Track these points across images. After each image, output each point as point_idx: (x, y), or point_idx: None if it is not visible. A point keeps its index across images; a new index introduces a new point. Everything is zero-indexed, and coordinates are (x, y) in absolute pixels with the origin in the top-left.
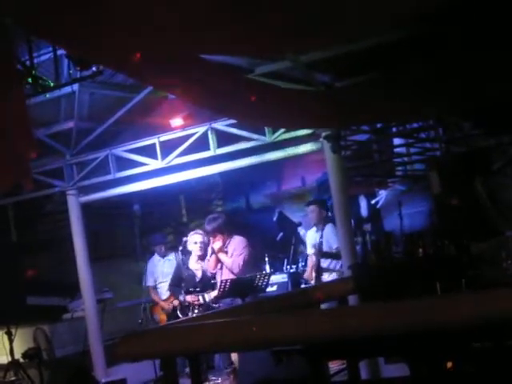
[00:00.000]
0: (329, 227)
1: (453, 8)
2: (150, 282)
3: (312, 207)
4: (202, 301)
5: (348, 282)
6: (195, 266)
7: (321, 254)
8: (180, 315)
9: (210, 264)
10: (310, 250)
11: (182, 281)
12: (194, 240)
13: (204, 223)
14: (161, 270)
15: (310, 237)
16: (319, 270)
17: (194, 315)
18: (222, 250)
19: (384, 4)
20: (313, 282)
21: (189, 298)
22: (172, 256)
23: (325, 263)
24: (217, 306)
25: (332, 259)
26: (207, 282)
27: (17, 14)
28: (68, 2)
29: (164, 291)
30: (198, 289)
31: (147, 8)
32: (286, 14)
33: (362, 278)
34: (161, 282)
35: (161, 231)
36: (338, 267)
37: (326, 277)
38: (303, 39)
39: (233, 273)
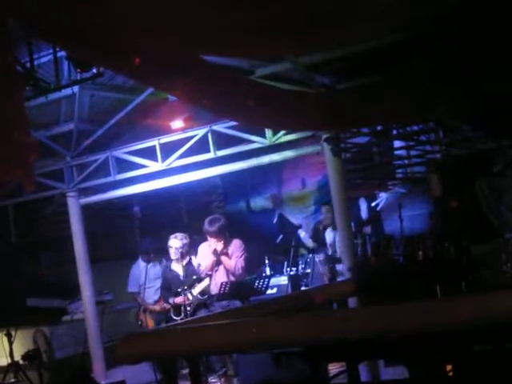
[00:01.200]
0: None
1: (454, 10)
2: (133, 288)
3: (328, 207)
4: (191, 298)
5: (348, 285)
6: (176, 267)
7: (332, 260)
8: (174, 317)
9: (207, 265)
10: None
11: (169, 283)
12: (171, 245)
13: (205, 225)
14: (146, 275)
15: (328, 236)
16: (334, 273)
17: (188, 313)
18: (224, 252)
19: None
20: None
21: (178, 299)
22: (156, 263)
23: (339, 266)
24: (205, 297)
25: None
26: (191, 278)
27: (19, 14)
28: (70, 3)
29: (152, 295)
30: (185, 287)
31: (148, 9)
32: (288, 15)
33: (361, 280)
34: (148, 287)
35: (156, 235)
36: None
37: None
38: (304, 41)
39: (234, 275)
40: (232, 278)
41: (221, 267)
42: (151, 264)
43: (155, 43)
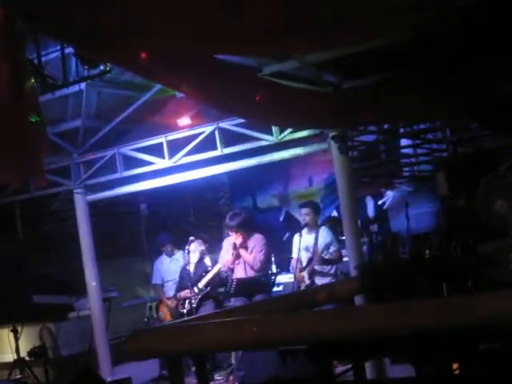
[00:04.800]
0: (324, 230)
1: (464, 9)
2: (157, 280)
3: (307, 210)
4: (196, 291)
5: (354, 282)
6: (190, 266)
7: (322, 260)
8: (180, 310)
9: (228, 259)
10: (299, 253)
11: (182, 282)
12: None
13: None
14: (167, 269)
15: (303, 239)
16: (313, 273)
17: (192, 306)
18: (243, 245)
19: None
20: (303, 286)
21: (183, 293)
22: (179, 255)
23: (318, 266)
24: (208, 289)
25: (331, 265)
26: (199, 273)
27: (28, 12)
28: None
29: (169, 289)
30: (193, 282)
31: (157, 7)
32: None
33: (368, 278)
34: (167, 281)
35: (167, 230)
36: (332, 271)
37: (319, 280)
38: (317, 39)
39: (253, 268)
40: (251, 272)
41: (241, 261)
42: (173, 258)
43: (164, 42)
